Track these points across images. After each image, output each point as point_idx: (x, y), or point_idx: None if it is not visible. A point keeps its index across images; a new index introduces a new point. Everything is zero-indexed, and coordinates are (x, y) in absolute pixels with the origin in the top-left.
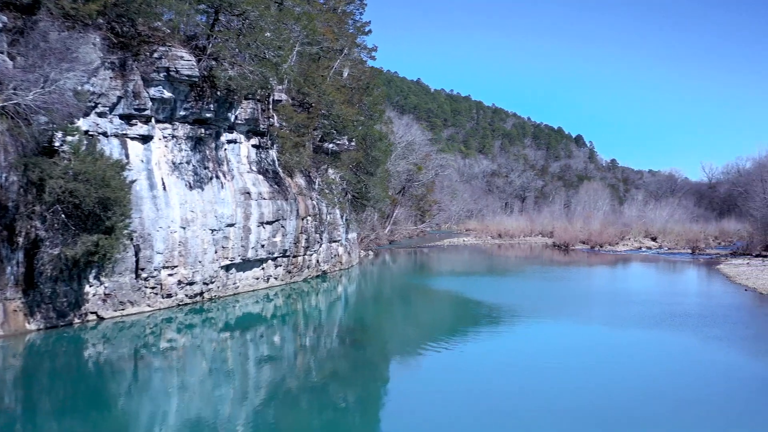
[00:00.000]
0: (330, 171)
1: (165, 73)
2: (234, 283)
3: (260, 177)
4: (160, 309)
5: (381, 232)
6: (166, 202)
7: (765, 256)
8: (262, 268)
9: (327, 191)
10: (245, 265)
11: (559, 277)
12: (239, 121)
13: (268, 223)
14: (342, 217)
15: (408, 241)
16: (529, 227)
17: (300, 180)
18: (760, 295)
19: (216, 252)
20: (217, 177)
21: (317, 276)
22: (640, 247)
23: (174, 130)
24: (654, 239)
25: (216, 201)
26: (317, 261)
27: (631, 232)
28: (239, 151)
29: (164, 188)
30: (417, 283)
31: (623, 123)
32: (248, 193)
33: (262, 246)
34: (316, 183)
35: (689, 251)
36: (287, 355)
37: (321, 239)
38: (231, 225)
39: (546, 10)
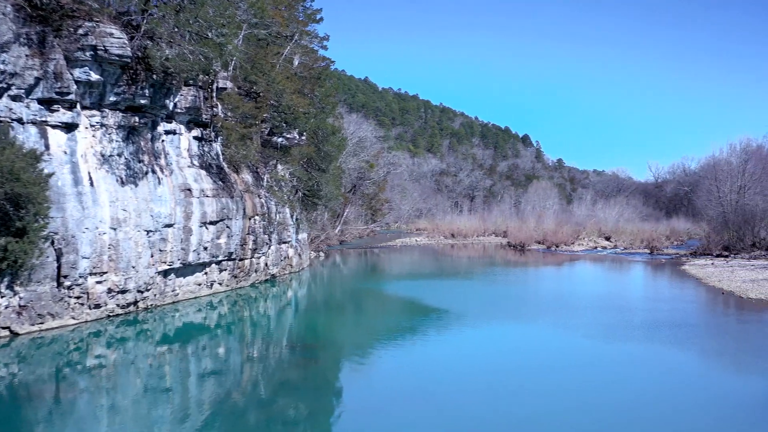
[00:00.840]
0: (279, 167)
1: (92, 53)
2: (173, 290)
3: (203, 172)
4: (86, 321)
5: (331, 232)
6: (94, 200)
7: (726, 256)
8: (205, 273)
9: (276, 188)
10: (186, 269)
11: (523, 280)
12: (179, 110)
13: (211, 223)
14: (292, 216)
15: (359, 241)
16: (482, 227)
17: (247, 176)
18: (740, 299)
19: (152, 256)
20: (154, 172)
21: (266, 280)
22: (596, 247)
23: (103, 118)
24: (608, 239)
25: (152, 199)
26: (266, 264)
27: (585, 231)
28: (179, 144)
29: (91, 184)
30: (371, 288)
31: (568, 123)
32: (189, 189)
33: (205, 248)
34: (265, 179)
35: (647, 251)
36: (233, 368)
37: (270, 240)
38: (169, 225)
39: (489, 9)
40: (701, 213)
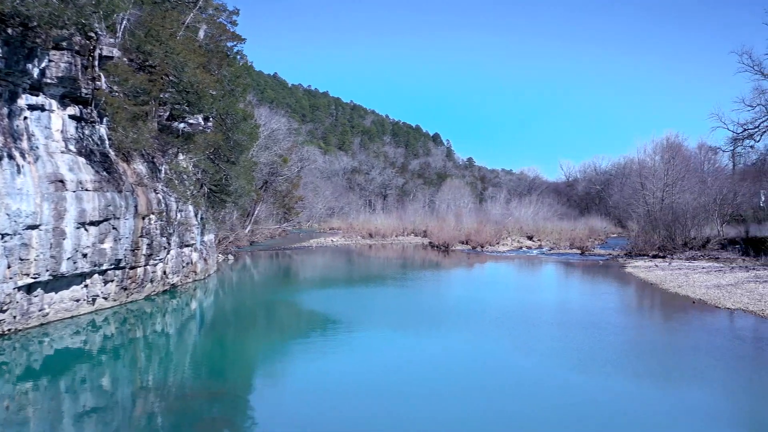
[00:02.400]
0: (181, 156)
1: None
2: (41, 310)
3: (81, 160)
4: None
5: (241, 232)
6: None
7: (663, 257)
8: (85, 286)
9: (177, 182)
10: (58, 283)
11: (458, 285)
12: (48, 80)
13: (92, 223)
14: (197, 215)
15: (271, 242)
16: (400, 226)
17: (140, 166)
18: (717, 310)
19: (9, 267)
20: (11, 157)
21: (165, 291)
22: (521, 247)
23: None
24: (530, 238)
25: (9, 192)
26: (164, 272)
27: (508, 231)
28: (49, 123)
29: None
30: (286, 300)
31: (478, 122)
32: (62, 181)
33: (84, 255)
34: (162, 171)
35: (577, 251)
36: (120, 403)
37: (169, 244)
38: (34, 227)
39: (398, 7)
40: (614, 211)
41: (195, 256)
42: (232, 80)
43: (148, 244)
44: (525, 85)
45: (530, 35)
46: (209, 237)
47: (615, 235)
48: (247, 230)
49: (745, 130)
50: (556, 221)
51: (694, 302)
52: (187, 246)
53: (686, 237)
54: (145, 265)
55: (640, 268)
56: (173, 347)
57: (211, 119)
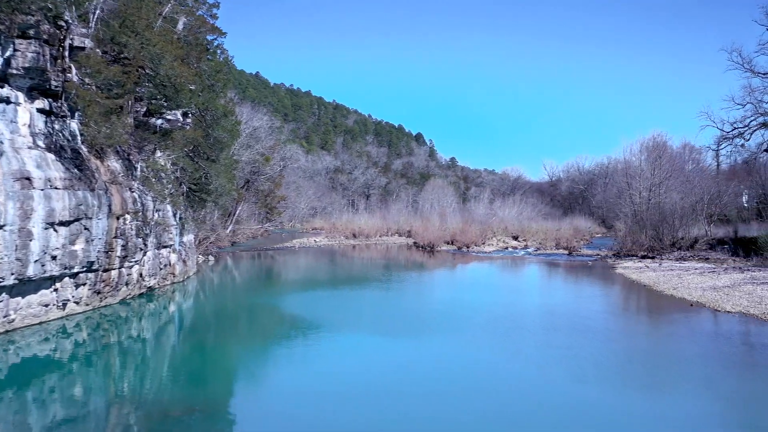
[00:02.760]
0: (159, 154)
1: None
2: (6, 315)
3: (50, 156)
4: None
5: (222, 232)
6: None
7: (652, 257)
8: (55, 290)
9: (154, 180)
10: (25, 287)
11: (446, 287)
12: (14, 70)
13: (62, 223)
14: (175, 215)
15: (253, 242)
16: (384, 226)
17: (114, 164)
18: (717, 313)
19: None
20: None
21: (141, 295)
22: (506, 247)
23: None
24: (515, 238)
25: None
26: (140, 275)
27: (493, 231)
28: (15, 117)
29: None
30: (269, 303)
31: (460, 122)
32: (28, 179)
33: (54, 258)
34: (138, 169)
35: (564, 252)
36: (92, 415)
37: (146, 245)
38: None
39: (379, 7)
40: (597, 211)
41: (173, 257)
42: (212, 75)
43: (122, 246)
44: (508, 84)
45: (514, 34)
46: (189, 238)
47: (599, 235)
48: (228, 230)
49: (734, 128)
50: (541, 221)
51: (692, 305)
52: (165, 247)
53: (674, 237)
54: (119, 268)
55: (630, 269)
56: (149, 354)
57: (190, 115)
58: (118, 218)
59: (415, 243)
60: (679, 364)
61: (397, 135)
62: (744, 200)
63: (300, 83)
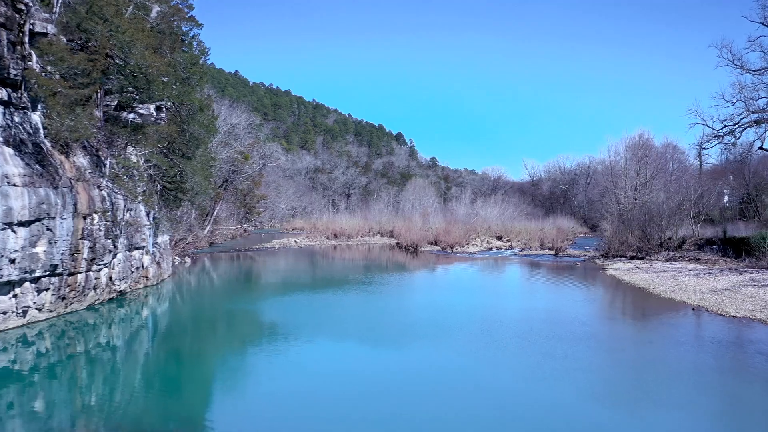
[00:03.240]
0: (131, 150)
1: None
2: None
3: (8, 151)
4: None
5: (200, 233)
6: None
7: (641, 258)
8: (14, 296)
9: (127, 177)
10: None
11: (434, 290)
12: None
13: (22, 224)
14: (149, 214)
15: (231, 243)
16: (365, 226)
17: (81, 160)
18: (720, 317)
19: None
20: None
21: (111, 299)
22: (491, 248)
23: None
24: (500, 238)
25: None
26: (110, 278)
27: (477, 231)
28: None
29: None
30: (246, 308)
31: (441, 122)
32: None
33: (12, 261)
34: (107, 165)
35: (549, 252)
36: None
37: (116, 246)
38: None
39: (359, 6)
40: (578, 211)
41: (147, 259)
42: (188, 67)
43: (90, 247)
44: (488, 83)
45: (495, 33)
46: (163, 238)
47: (582, 235)
48: (206, 231)
49: (725, 126)
50: (523, 221)
51: (693, 309)
52: (137, 249)
53: (662, 237)
54: (86, 271)
55: (621, 270)
56: (119, 363)
57: (164, 110)
58: (84, 218)
59: (398, 243)
60: (695, 377)
61: (377, 134)
62: (725, 200)
63: (279, 82)
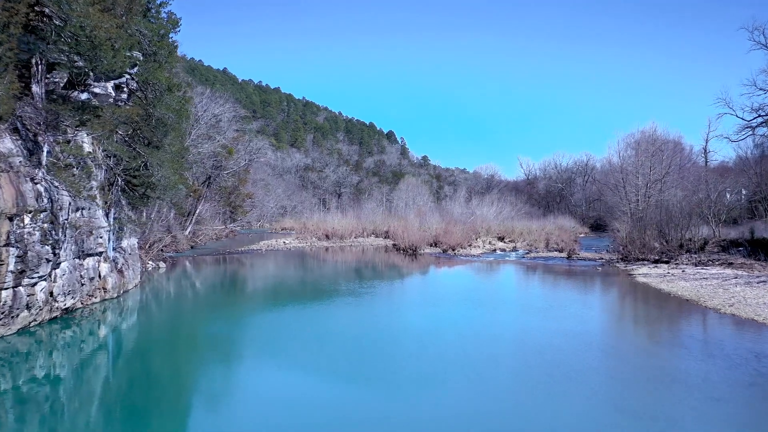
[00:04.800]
0: (84, 135)
1: None
2: None
3: None
4: None
5: (180, 234)
6: None
7: (666, 262)
8: None
9: (76, 168)
10: None
11: (449, 303)
12: None
13: None
14: (108, 214)
15: (216, 244)
16: (358, 226)
17: (8, 144)
18: None
19: None
20: None
21: (53, 319)
22: (494, 250)
23: None
24: (501, 239)
25: None
26: (51, 293)
27: (478, 232)
28: None
29: None
30: (225, 327)
31: (432, 120)
32: None
33: None
34: (45, 153)
35: (559, 254)
36: None
37: (57, 254)
38: None
39: (350, 4)
40: (576, 210)
41: (104, 267)
42: (154, 40)
43: (18, 257)
44: (480, 81)
45: (488, 30)
46: (130, 242)
47: (583, 235)
48: (187, 231)
49: (759, 115)
50: (523, 220)
51: None
52: (90, 255)
53: (682, 238)
54: (14, 287)
55: (652, 276)
56: (56, 404)
57: (125, 89)
58: (11, 219)
59: (394, 245)
60: None
61: (368, 133)
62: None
63: (269, 80)
